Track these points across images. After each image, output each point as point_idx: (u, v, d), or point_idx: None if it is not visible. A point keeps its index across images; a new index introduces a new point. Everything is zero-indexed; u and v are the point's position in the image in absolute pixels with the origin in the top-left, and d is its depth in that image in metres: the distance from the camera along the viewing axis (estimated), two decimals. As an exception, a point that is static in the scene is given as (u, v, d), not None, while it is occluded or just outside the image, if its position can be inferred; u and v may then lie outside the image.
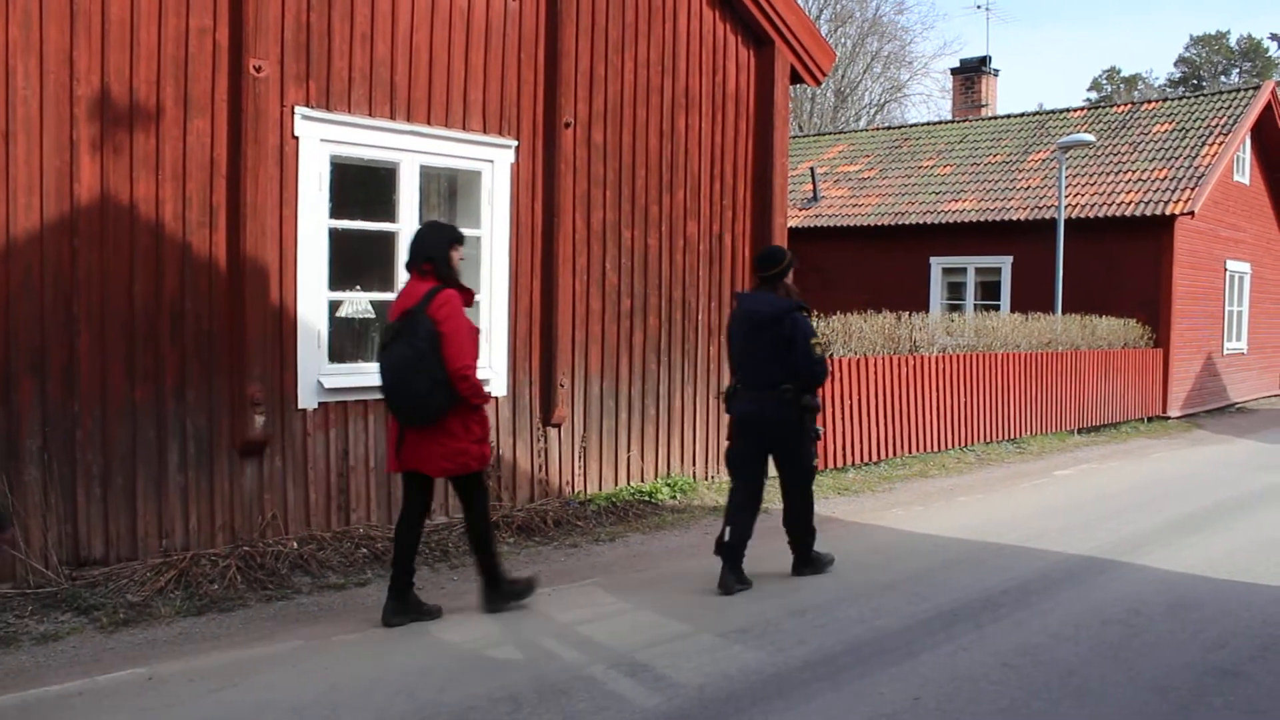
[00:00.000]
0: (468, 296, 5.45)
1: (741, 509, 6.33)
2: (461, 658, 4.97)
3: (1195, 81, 55.06)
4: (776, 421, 6.31)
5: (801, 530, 6.58)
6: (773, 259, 6.44)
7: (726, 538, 6.23)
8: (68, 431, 5.78)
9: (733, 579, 6.19)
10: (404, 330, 5.22)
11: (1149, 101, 20.03)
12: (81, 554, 5.85)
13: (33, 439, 5.67)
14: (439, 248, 5.41)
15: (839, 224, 19.69)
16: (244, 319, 6.35)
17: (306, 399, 6.70)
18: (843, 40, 37.75)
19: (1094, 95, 57.03)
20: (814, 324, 6.35)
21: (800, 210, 20.42)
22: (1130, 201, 16.66)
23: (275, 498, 6.60)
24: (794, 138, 24.80)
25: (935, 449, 11.82)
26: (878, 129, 25.63)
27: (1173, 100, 19.83)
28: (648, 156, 8.73)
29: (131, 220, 5.98)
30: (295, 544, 6.49)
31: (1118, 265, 16.77)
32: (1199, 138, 17.58)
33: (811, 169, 21.29)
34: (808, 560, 6.63)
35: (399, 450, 5.44)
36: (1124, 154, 18.02)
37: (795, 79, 9.91)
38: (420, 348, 5.15)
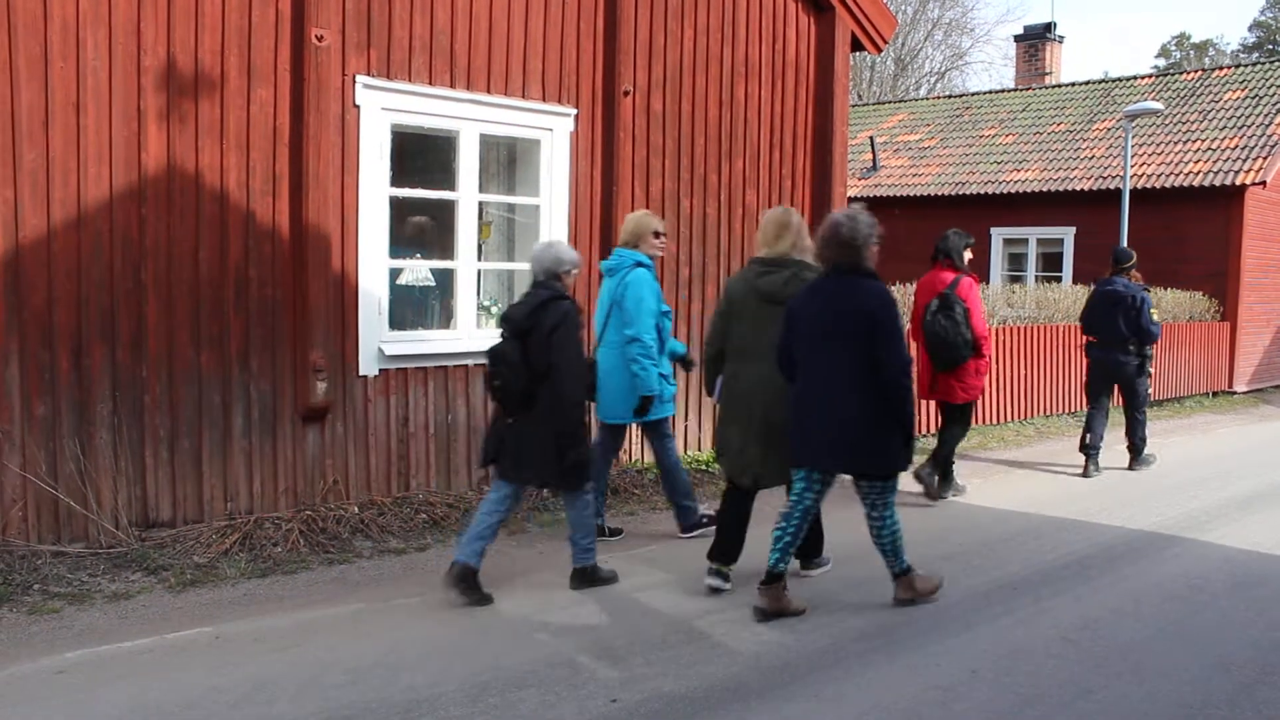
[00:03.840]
0: (976, 279, 7.92)
1: (1096, 419, 9.31)
2: (515, 624, 5.04)
3: (1270, 47, 53.36)
4: (1122, 364, 9.27)
5: (1138, 438, 9.49)
6: (1128, 257, 9.46)
7: (1088, 441, 9.24)
8: (136, 396, 5.91)
9: (1093, 466, 9.18)
10: (943, 306, 7.70)
11: (1220, 68, 19.47)
12: (150, 515, 6.00)
13: (103, 403, 5.81)
14: (958, 249, 7.96)
15: (899, 194, 19.45)
16: (306, 286, 6.44)
17: (367, 366, 6.79)
18: (903, 7, 37.15)
19: (1162, 63, 55.58)
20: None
21: (860, 180, 20.21)
22: (1198, 171, 16.25)
23: (337, 463, 6.70)
24: (854, 106, 24.49)
25: (995, 421, 11.69)
26: (938, 98, 25.25)
27: (1245, 66, 19.24)
28: (707, 125, 8.67)
29: (197, 189, 6.07)
30: (356, 509, 6.59)
31: (1184, 237, 16.37)
32: (1273, 105, 17.04)
33: (871, 138, 21.04)
34: (1139, 461, 9.54)
35: (932, 386, 8.00)
36: (1192, 122, 17.56)
37: (856, 46, 9.78)
38: (957, 319, 7.66)
